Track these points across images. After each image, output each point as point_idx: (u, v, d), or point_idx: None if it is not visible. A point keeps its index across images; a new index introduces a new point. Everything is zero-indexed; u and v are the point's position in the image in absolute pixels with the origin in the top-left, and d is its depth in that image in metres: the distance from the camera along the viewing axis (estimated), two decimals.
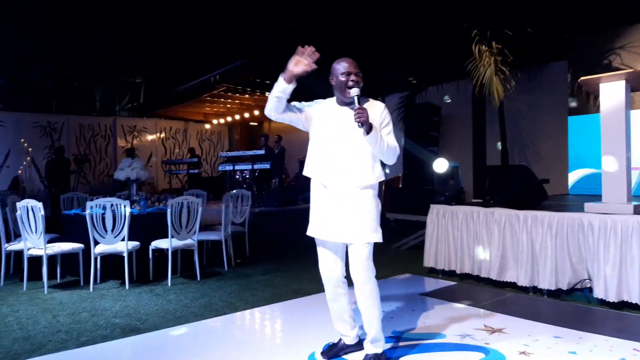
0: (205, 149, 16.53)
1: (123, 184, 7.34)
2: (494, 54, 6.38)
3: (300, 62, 2.62)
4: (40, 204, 4.83)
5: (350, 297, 2.85)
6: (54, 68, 14.78)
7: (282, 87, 2.64)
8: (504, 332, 3.22)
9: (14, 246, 5.19)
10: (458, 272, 4.99)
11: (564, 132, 7.18)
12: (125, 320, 3.89)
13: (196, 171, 13.45)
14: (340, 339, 2.94)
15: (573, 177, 7.14)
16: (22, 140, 13.00)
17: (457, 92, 8.66)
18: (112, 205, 4.96)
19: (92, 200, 6.25)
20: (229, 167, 10.77)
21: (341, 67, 2.69)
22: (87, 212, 4.84)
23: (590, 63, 6.61)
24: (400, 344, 3.06)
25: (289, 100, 2.74)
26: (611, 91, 3.95)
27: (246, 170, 10.77)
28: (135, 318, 3.96)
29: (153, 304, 4.38)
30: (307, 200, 2.83)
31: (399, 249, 6.94)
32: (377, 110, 2.71)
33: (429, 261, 5.25)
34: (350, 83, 2.65)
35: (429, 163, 8.83)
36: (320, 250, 2.84)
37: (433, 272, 5.25)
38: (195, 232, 5.26)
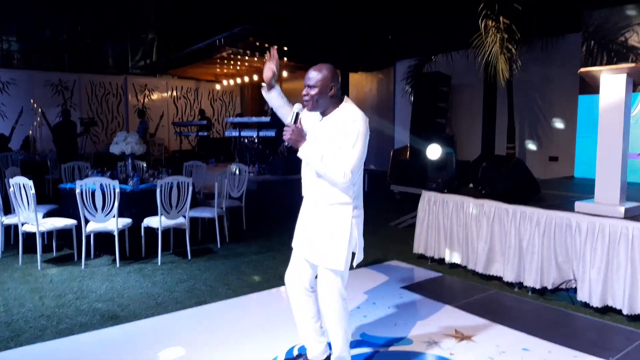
0: (216, 109, 16.45)
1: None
2: (500, 30, 6.01)
3: (267, 68, 2.62)
4: (30, 182, 4.87)
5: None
6: (66, 24, 14.66)
7: (265, 96, 2.73)
8: (473, 340, 3.18)
9: (10, 220, 5.29)
10: (447, 261, 4.93)
11: (574, 111, 6.87)
12: (107, 306, 3.97)
13: (205, 133, 13.43)
14: (305, 349, 2.92)
15: (581, 157, 6.88)
16: (33, 100, 13.08)
17: (467, 62, 8.30)
18: (101, 184, 4.98)
19: (91, 172, 6.33)
20: (235, 133, 10.71)
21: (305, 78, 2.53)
22: (77, 191, 4.86)
23: (605, 38, 6.21)
24: (365, 350, 3.05)
25: None
26: (611, 85, 3.70)
27: (252, 136, 10.70)
28: (117, 303, 4.03)
29: (138, 286, 4.45)
30: None
31: (396, 227, 6.89)
32: (346, 120, 2.46)
33: (419, 247, 5.20)
34: (303, 97, 2.51)
35: (436, 135, 8.64)
36: (293, 257, 2.78)
37: (423, 259, 5.20)
38: (186, 210, 5.27)
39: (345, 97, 2.59)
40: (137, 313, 3.82)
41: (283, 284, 4.47)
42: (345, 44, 10.30)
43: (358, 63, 11.16)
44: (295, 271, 2.76)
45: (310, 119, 2.64)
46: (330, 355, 2.78)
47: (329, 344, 2.75)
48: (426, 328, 3.38)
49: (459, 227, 4.79)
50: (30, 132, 12.51)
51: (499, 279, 4.44)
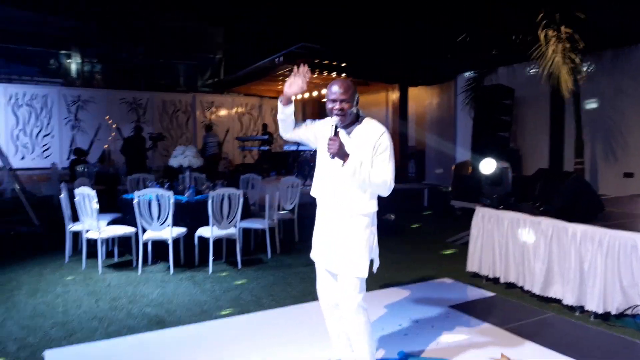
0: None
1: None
2: (562, 40, 5.68)
3: (294, 84, 2.60)
4: (93, 192, 5.16)
5: None
6: (141, 47, 15.67)
7: (280, 109, 2.67)
8: None
9: (76, 227, 5.63)
10: (502, 280, 4.66)
11: None
12: (156, 311, 4.10)
13: (267, 148, 13.71)
14: None
15: None
16: (109, 116, 13.99)
17: (529, 74, 7.94)
18: (157, 195, 5.19)
19: (150, 183, 6.62)
20: (293, 148, 10.86)
21: (329, 92, 2.53)
22: (135, 201, 5.10)
23: None
24: None
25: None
26: None
27: (311, 150, 10.80)
28: (165, 308, 4.16)
29: (187, 293, 4.57)
30: None
31: (453, 244, 6.64)
32: (372, 135, 2.51)
33: (472, 265, 4.96)
34: (335, 112, 2.49)
35: (498, 149, 8.28)
36: (317, 271, 2.79)
37: (477, 277, 4.96)
38: (237, 221, 5.37)
39: (360, 109, 2.62)
40: (182, 319, 3.92)
41: None
42: (405, 58, 10.21)
43: (417, 77, 11.01)
44: (325, 288, 2.78)
45: (327, 132, 2.61)
46: None
47: None
48: (470, 350, 3.19)
49: (514, 245, 4.52)
50: (106, 146, 13.36)
51: (558, 301, 4.12)
